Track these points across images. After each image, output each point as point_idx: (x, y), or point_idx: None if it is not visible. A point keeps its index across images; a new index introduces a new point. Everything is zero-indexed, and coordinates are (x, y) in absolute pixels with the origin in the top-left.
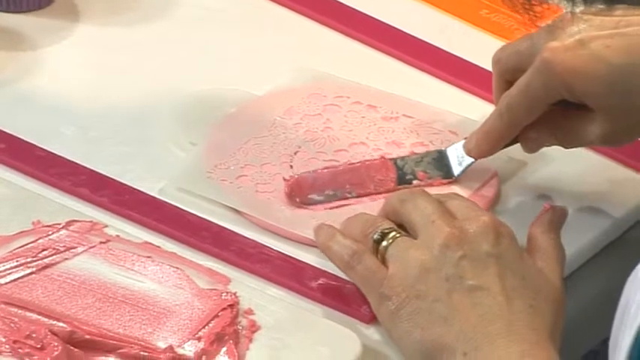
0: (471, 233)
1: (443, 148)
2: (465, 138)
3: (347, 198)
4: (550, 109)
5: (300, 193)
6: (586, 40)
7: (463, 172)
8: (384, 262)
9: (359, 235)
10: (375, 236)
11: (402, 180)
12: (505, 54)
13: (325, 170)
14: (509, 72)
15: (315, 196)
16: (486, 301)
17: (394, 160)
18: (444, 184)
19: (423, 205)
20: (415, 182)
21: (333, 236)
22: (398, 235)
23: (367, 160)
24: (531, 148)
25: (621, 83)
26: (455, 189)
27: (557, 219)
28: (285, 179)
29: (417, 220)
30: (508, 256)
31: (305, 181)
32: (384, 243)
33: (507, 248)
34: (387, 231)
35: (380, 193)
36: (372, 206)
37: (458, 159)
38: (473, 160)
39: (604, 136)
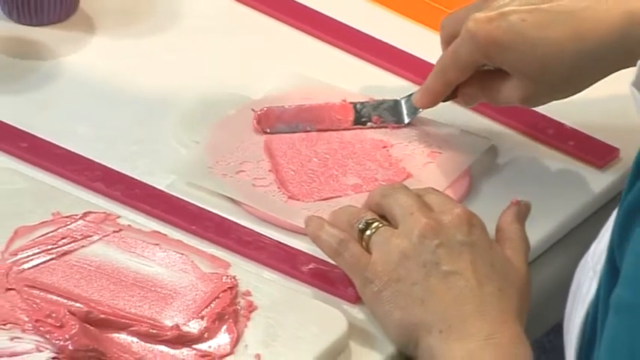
0: (446, 224)
1: (398, 98)
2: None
3: (308, 131)
4: (479, 70)
5: (267, 124)
6: (507, 13)
7: (411, 119)
8: (367, 249)
9: (345, 224)
10: (360, 226)
11: (358, 121)
12: (447, 22)
13: (292, 106)
14: (449, 37)
15: (281, 126)
16: (459, 285)
17: (354, 103)
18: (395, 127)
19: (403, 198)
20: (369, 124)
21: (321, 226)
22: (380, 225)
23: (330, 102)
24: (467, 102)
25: (533, 54)
26: (430, 183)
27: (522, 212)
28: (254, 110)
29: (397, 212)
30: (480, 245)
31: (273, 113)
32: (368, 232)
33: (479, 238)
34: (370, 221)
35: (337, 130)
36: (357, 198)
37: (409, 109)
38: (420, 110)
39: (522, 98)
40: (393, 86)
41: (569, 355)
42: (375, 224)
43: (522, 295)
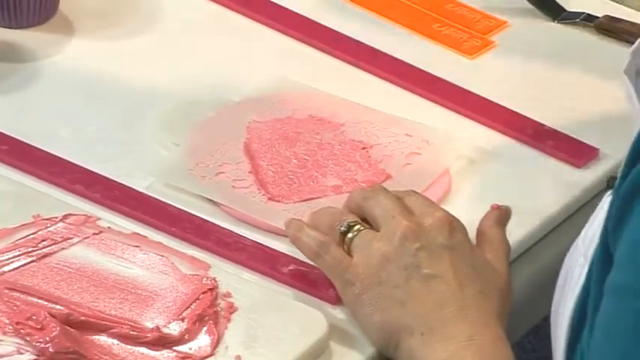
0: (427, 227)
1: None
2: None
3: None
4: None
5: None
6: None
7: None
8: (348, 252)
9: (326, 227)
10: (342, 228)
11: None
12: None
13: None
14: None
15: None
16: (441, 288)
17: None
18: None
19: (384, 201)
20: None
21: (301, 229)
22: (362, 228)
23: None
24: None
25: None
26: (410, 184)
27: (503, 216)
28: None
29: (378, 215)
30: (460, 248)
31: None
32: (350, 235)
33: (460, 241)
34: (352, 224)
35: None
36: (337, 199)
37: None
38: None
39: None
40: (372, 87)
41: (559, 346)
42: (357, 227)
43: (503, 297)
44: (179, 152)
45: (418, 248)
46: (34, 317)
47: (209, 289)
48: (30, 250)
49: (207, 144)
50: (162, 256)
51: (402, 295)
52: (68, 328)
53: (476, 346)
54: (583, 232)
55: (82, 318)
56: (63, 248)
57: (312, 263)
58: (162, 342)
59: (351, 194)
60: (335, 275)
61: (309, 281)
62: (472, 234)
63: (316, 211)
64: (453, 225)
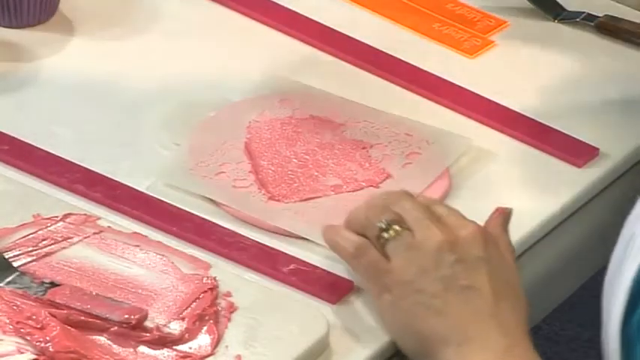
0: (463, 239)
1: None
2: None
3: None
4: None
5: None
6: None
7: None
8: (383, 251)
9: (363, 220)
10: (381, 225)
11: None
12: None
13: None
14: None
15: None
16: (477, 300)
17: None
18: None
19: (415, 208)
20: None
21: (338, 232)
22: (399, 229)
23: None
24: None
25: None
26: (410, 184)
27: (507, 219)
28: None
29: (411, 221)
30: (495, 260)
31: None
32: (386, 235)
33: (494, 253)
34: (391, 222)
35: None
36: (337, 199)
37: None
38: None
39: None
40: (372, 86)
41: (614, 315)
42: (395, 226)
43: (527, 308)
44: (179, 152)
45: (455, 260)
46: (33, 317)
47: (209, 289)
48: (30, 249)
49: (208, 144)
50: (162, 255)
51: (440, 304)
52: (68, 327)
53: (513, 357)
54: None
55: (82, 318)
56: (63, 248)
57: (312, 263)
58: (163, 341)
59: (372, 201)
60: (372, 279)
61: (310, 281)
62: None
63: (356, 208)
64: (486, 237)
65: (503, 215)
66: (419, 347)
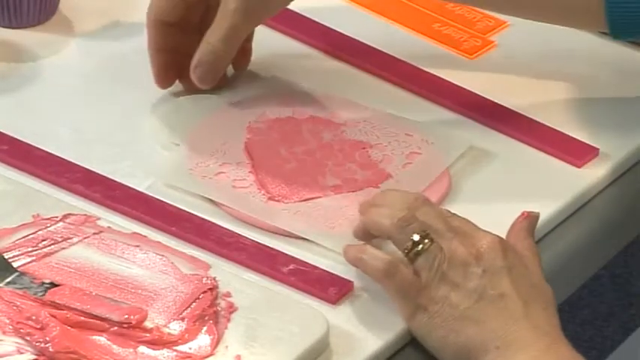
0: (484, 251)
1: None
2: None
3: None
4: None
5: None
6: None
7: None
8: (412, 263)
9: (389, 226)
10: (415, 238)
11: None
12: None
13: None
14: None
15: None
16: (510, 305)
17: None
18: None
19: (433, 218)
20: None
21: (365, 250)
22: (428, 242)
23: None
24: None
25: None
26: (410, 184)
27: (533, 225)
28: None
29: (434, 235)
30: (516, 267)
31: None
32: (417, 249)
33: (514, 260)
34: (422, 234)
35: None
36: (337, 199)
37: None
38: None
39: (240, 11)
40: (371, 87)
41: None
42: (426, 240)
43: (556, 311)
44: (179, 152)
45: (483, 272)
46: (33, 317)
47: (209, 289)
48: (30, 249)
49: (208, 144)
50: (162, 255)
51: (475, 314)
52: (68, 327)
53: (556, 353)
54: None
55: (82, 318)
56: (63, 248)
57: (312, 263)
58: (162, 342)
59: (397, 204)
60: (405, 299)
61: (309, 281)
62: None
63: (369, 212)
64: (504, 245)
65: (529, 219)
66: (459, 358)
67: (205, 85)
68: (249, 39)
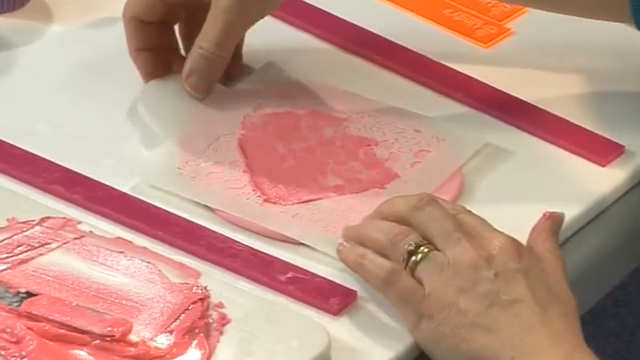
0: (496, 252)
1: None
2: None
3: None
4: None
5: None
6: None
7: None
8: (413, 274)
9: (383, 242)
10: (409, 247)
11: None
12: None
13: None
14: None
15: None
16: (525, 312)
17: None
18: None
19: (439, 218)
20: None
21: (364, 255)
22: (427, 250)
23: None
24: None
25: None
26: (419, 185)
27: (556, 226)
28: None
29: (436, 235)
30: (532, 270)
31: None
32: (414, 258)
33: (530, 263)
34: (419, 243)
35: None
36: (338, 200)
37: None
38: None
39: (234, 8)
40: (377, 78)
41: None
42: (422, 248)
43: (577, 316)
44: (167, 148)
45: (494, 275)
46: (8, 330)
47: (199, 299)
48: (5, 256)
49: (198, 139)
50: (148, 262)
51: (487, 321)
52: (46, 341)
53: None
54: None
55: (62, 330)
56: (40, 254)
57: (311, 271)
58: (149, 356)
59: (391, 202)
60: (407, 307)
61: (309, 290)
62: None
63: (363, 225)
64: (518, 247)
65: (552, 220)
66: None
67: (200, 94)
68: (239, 44)
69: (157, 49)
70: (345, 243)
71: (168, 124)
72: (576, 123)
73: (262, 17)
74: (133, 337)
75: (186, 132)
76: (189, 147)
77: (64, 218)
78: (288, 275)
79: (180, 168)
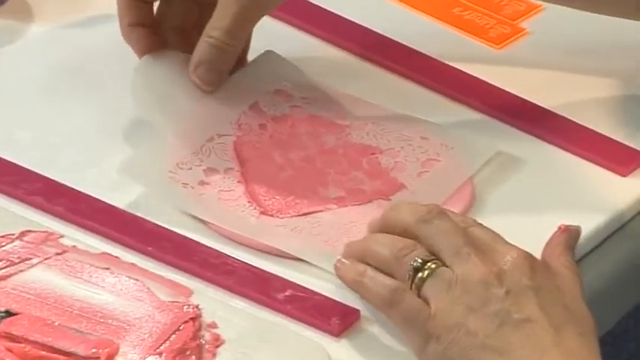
0: (508, 267)
1: None
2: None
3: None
4: None
5: None
6: None
7: None
8: (418, 293)
9: (387, 257)
10: (415, 264)
11: None
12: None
13: None
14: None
15: None
16: (537, 332)
17: None
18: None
19: (448, 232)
20: None
21: (364, 272)
22: (434, 266)
23: None
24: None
25: None
26: (427, 196)
27: (572, 240)
28: None
29: (444, 249)
30: (545, 287)
31: None
32: (420, 274)
33: (543, 280)
34: (425, 259)
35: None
36: (340, 213)
37: None
38: None
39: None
40: (382, 81)
41: None
42: (429, 264)
43: (595, 335)
44: (158, 147)
45: (505, 293)
46: None
47: (191, 319)
48: None
49: (192, 136)
50: (136, 279)
51: (497, 343)
52: None
53: None
54: None
55: (43, 352)
56: (21, 270)
57: (311, 288)
58: None
59: (395, 211)
60: (413, 328)
61: (309, 309)
62: None
63: (366, 239)
64: (532, 262)
65: (568, 233)
66: None
67: (209, 86)
68: (247, 40)
69: (153, 25)
70: (343, 259)
71: (163, 108)
72: (594, 129)
73: (281, 3)
74: None
75: (178, 128)
76: (181, 146)
77: (45, 232)
78: (286, 293)
79: (171, 171)
